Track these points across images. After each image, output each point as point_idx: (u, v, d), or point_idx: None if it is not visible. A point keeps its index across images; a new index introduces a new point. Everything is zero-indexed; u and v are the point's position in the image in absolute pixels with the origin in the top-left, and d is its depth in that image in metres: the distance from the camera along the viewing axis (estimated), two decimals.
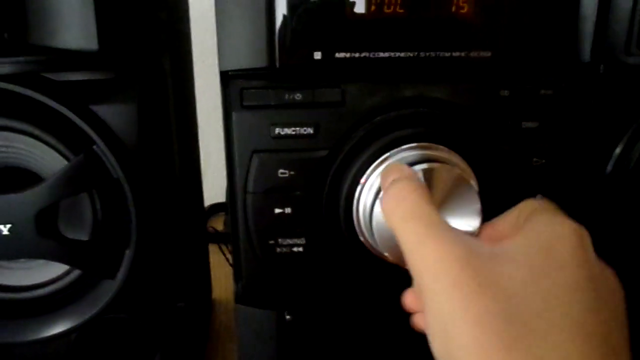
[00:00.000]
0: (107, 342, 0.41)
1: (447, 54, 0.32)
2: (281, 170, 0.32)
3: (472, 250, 0.23)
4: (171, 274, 0.41)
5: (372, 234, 0.31)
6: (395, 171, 0.28)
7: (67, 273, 0.38)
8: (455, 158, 0.32)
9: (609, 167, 0.37)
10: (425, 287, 0.23)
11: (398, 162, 0.31)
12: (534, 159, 0.34)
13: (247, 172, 0.32)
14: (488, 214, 0.34)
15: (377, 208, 0.31)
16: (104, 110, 0.35)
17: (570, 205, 0.36)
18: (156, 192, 0.38)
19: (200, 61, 0.52)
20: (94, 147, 0.34)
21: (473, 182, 0.31)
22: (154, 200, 0.37)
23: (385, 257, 0.31)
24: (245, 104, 0.32)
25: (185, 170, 0.45)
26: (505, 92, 0.33)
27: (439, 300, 0.22)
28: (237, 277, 0.36)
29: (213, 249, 0.64)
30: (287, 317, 0.37)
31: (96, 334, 0.40)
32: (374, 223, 0.31)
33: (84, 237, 0.37)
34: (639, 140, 0.37)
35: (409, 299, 0.29)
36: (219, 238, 0.67)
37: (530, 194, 0.35)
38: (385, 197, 0.27)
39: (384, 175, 0.29)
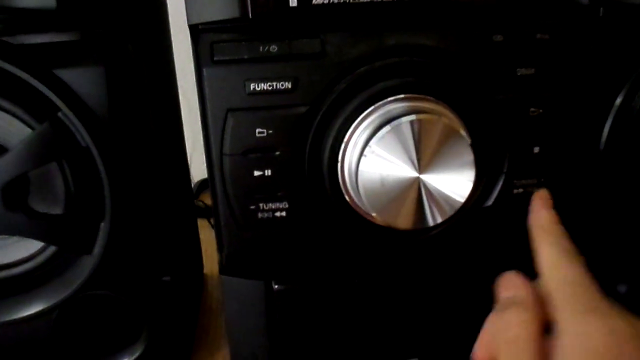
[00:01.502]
0: (91, 320, 0.39)
1: None
2: (259, 130, 0.30)
3: None
4: (154, 247, 0.39)
5: (358, 193, 0.29)
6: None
7: (42, 250, 0.36)
8: (444, 109, 0.30)
9: (610, 117, 0.35)
10: None
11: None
12: (531, 109, 0.32)
13: (223, 132, 0.30)
14: (482, 166, 0.32)
15: (363, 166, 0.29)
16: (68, 75, 0.33)
17: (569, 158, 0.34)
18: (132, 162, 0.36)
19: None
20: (59, 113, 0.32)
21: (464, 134, 0.29)
22: (130, 171, 0.35)
23: (373, 217, 0.29)
24: (216, 58, 0.29)
25: (166, 139, 0.43)
26: (499, 37, 0.31)
27: None
28: (219, 246, 0.34)
29: (204, 224, 0.63)
30: (275, 286, 0.35)
31: (79, 311, 0.39)
32: (360, 182, 0.29)
33: (58, 212, 0.35)
34: None
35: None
36: (209, 212, 0.65)
37: (528, 147, 0.33)
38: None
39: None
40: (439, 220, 0.29)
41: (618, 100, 0.35)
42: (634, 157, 0.36)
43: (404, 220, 0.29)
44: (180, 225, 0.46)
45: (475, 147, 0.30)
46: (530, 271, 0.37)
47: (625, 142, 0.36)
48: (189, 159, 0.53)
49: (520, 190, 0.33)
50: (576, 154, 0.35)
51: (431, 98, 0.31)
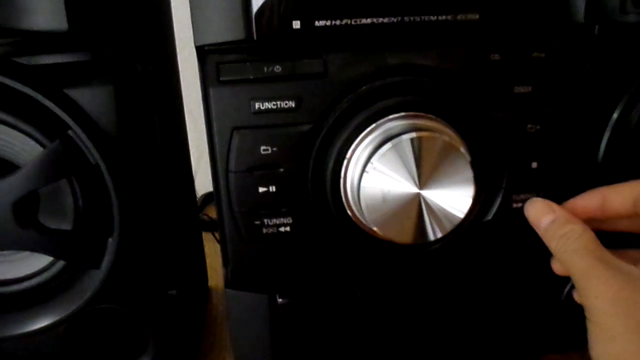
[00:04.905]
0: (98, 334, 0.40)
1: (433, 18, 0.30)
2: (263, 147, 0.31)
3: None
4: (160, 261, 0.40)
5: (360, 208, 0.30)
6: (548, 210, 0.30)
7: (51, 264, 0.37)
8: (444, 127, 0.31)
9: (608, 131, 0.36)
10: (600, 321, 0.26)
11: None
12: (529, 125, 0.33)
13: (228, 150, 0.31)
14: (482, 182, 0.33)
15: (365, 182, 0.29)
16: (79, 94, 0.34)
17: (567, 173, 0.35)
18: (139, 178, 0.36)
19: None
20: (69, 132, 0.33)
21: (463, 150, 0.30)
22: (137, 187, 0.36)
23: (374, 232, 0.30)
24: (222, 79, 0.30)
25: (172, 156, 0.43)
26: (496, 56, 0.32)
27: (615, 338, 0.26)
28: (225, 261, 0.35)
29: (208, 238, 0.63)
30: (279, 300, 0.36)
31: (86, 325, 0.39)
32: (362, 198, 0.30)
33: (67, 227, 0.36)
34: (637, 104, 0.36)
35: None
36: (214, 226, 0.66)
37: (526, 163, 0.34)
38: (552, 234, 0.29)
39: (532, 211, 0.31)
40: (439, 235, 0.30)
41: (615, 115, 0.36)
42: (632, 170, 0.36)
43: (405, 235, 0.30)
44: (185, 239, 0.47)
45: (475, 164, 0.31)
46: (528, 282, 0.38)
47: (622, 155, 0.36)
48: (194, 173, 0.54)
49: (519, 204, 0.34)
50: (574, 168, 0.35)
51: (431, 116, 0.32)
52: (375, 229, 0.29)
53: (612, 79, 0.36)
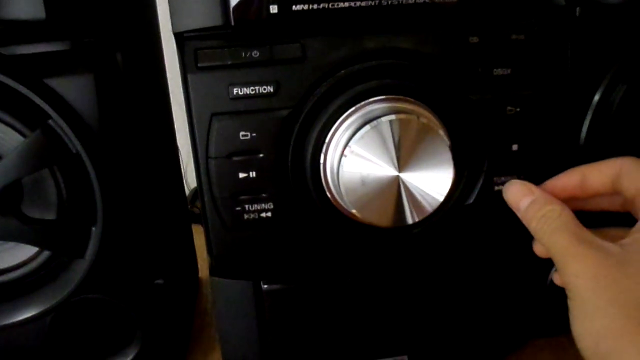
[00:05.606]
0: (85, 324, 0.40)
1: (411, 1, 0.30)
2: (242, 133, 0.31)
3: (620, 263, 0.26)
4: (146, 251, 0.40)
5: (340, 192, 0.30)
6: (526, 191, 0.30)
7: (36, 255, 0.37)
8: (423, 110, 0.31)
9: (589, 113, 0.36)
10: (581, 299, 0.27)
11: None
12: (508, 108, 0.33)
13: (208, 136, 0.31)
14: (462, 165, 0.33)
15: (344, 166, 0.30)
16: (58, 83, 0.34)
17: (549, 155, 0.35)
18: (123, 167, 0.36)
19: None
20: (50, 121, 0.33)
21: (442, 133, 0.30)
22: (120, 176, 0.36)
23: (354, 215, 0.30)
24: (200, 65, 0.30)
25: (157, 145, 0.43)
26: (475, 39, 0.32)
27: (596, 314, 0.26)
28: (208, 248, 0.35)
29: (200, 230, 0.63)
30: (264, 286, 0.36)
31: (73, 315, 0.39)
32: (341, 181, 0.30)
33: (51, 217, 0.36)
34: (619, 86, 0.36)
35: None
36: None
37: (506, 144, 0.34)
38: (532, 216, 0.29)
39: (511, 193, 0.31)
40: (419, 218, 0.30)
41: (596, 97, 0.36)
42: (614, 152, 0.36)
43: (384, 218, 0.30)
44: (172, 229, 0.47)
45: (454, 146, 0.31)
46: (513, 266, 0.38)
47: (604, 138, 0.36)
48: (185, 165, 0.54)
49: (501, 187, 0.34)
50: (556, 150, 0.35)
51: (410, 99, 0.32)
52: (354, 212, 0.30)
53: (594, 61, 0.36)
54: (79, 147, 0.34)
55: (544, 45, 0.33)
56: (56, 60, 0.34)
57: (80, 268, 0.36)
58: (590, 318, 0.26)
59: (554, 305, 0.40)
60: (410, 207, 0.30)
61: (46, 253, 0.37)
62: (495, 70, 0.32)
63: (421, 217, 0.30)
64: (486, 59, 0.32)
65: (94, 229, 0.35)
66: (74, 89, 0.34)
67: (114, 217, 0.36)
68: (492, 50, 0.32)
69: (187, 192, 0.73)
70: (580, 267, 0.26)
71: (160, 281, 0.41)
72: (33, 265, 0.37)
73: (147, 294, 0.40)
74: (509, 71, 0.32)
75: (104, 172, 0.35)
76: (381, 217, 0.30)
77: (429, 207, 0.30)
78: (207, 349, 0.48)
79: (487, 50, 0.32)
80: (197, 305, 0.54)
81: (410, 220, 0.30)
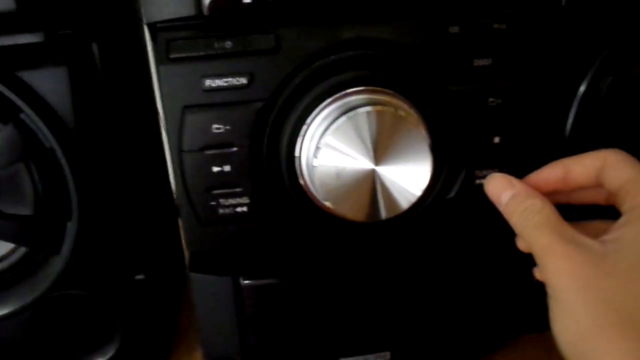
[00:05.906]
0: (65, 320, 0.40)
1: None
2: (215, 126, 0.30)
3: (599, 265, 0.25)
4: (125, 246, 0.39)
5: (314, 185, 0.29)
6: (507, 185, 0.30)
7: (12, 251, 0.37)
8: (401, 102, 0.30)
9: (575, 104, 0.35)
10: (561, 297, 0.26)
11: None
12: (490, 99, 0.32)
13: (180, 129, 0.30)
14: (442, 158, 0.32)
15: (319, 158, 0.29)
16: (30, 76, 0.33)
17: (532, 148, 0.34)
18: (99, 162, 0.36)
19: None
20: (21, 115, 0.32)
21: (420, 125, 0.29)
22: (96, 171, 0.35)
23: (329, 208, 0.29)
24: (172, 56, 0.30)
25: (137, 139, 0.43)
26: (455, 29, 0.31)
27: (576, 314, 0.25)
28: (186, 243, 0.34)
29: None
30: (243, 282, 0.35)
31: (53, 312, 0.39)
32: (316, 174, 0.29)
33: (28, 212, 0.35)
34: (606, 76, 0.35)
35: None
36: None
37: (487, 137, 0.33)
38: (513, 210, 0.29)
39: (492, 186, 0.30)
40: (394, 213, 0.29)
41: (582, 88, 0.35)
42: (600, 144, 0.36)
43: (359, 213, 0.29)
44: (155, 224, 0.46)
45: (434, 139, 0.30)
46: (498, 261, 0.38)
47: (590, 129, 0.35)
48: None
49: (482, 181, 0.33)
50: (540, 143, 0.35)
51: (388, 91, 0.31)
52: (328, 204, 0.29)
53: (580, 50, 0.35)
54: (53, 142, 0.33)
55: (526, 34, 0.32)
56: (28, 53, 0.33)
57: (57, 264, 0.36)
58: (570, 317, 0.25)
59: (541, 301, 0.39)
60: (385, 202, 0.29)
61: (23, 249, 0.36)
62: (475, 60, 0.31)
63: (397, 212, 0.30)
64: (466, 49, 0.31)
65: (69, 224, 0.35)
66: (46, 82, 0.33)
67: (91, 212, 0.35)
68: (473, 40, 0.31)
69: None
70: (560, 265, 0.26)
71: (141, 277, 0.41)
72: (9, 261, 0.37)
73: (127, 290, 0.40)
74: (490, 61, 0.32)
75: (79, 167, 0.34)
76: (356, 212, 0.29)
77: (406, 202, 0.29)
78: (191, 344, 0.47)
79: (468, 41, 0.31)
80: (185, 302, 0.54)
81: (383, 216, 0.29)
